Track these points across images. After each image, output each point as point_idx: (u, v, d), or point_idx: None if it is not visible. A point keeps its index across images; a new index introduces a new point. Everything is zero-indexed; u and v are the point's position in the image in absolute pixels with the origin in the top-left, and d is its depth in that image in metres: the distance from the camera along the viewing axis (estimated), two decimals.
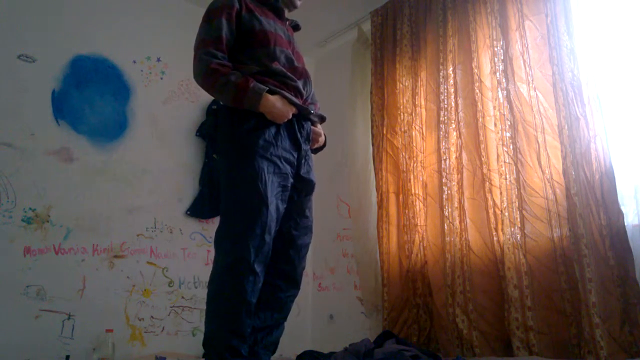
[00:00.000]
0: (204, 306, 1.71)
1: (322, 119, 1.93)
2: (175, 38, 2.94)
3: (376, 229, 2.82)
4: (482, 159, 2.36)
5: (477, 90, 2.43)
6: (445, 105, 2.56)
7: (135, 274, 2.68)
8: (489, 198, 2.30)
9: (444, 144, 2.53)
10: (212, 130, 2.98)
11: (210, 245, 2.90)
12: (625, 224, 1.92)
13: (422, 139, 2.70)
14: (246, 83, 1.64)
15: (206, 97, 2.97)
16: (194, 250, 2.93)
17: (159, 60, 2.98)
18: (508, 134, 2.26)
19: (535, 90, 2.21)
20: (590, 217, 1.95)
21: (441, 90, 2.59)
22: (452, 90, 2.55)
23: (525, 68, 2.25)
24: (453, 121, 2.52)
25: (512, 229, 2.18)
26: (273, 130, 1.71)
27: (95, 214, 2.60)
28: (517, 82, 2.27)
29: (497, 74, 2.35)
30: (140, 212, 2.76)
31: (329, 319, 3.26)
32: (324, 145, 1.98)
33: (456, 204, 2.42)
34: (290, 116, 1.73)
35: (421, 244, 2.59)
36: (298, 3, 1.96)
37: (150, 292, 2.71)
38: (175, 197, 2.91)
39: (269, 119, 1.69)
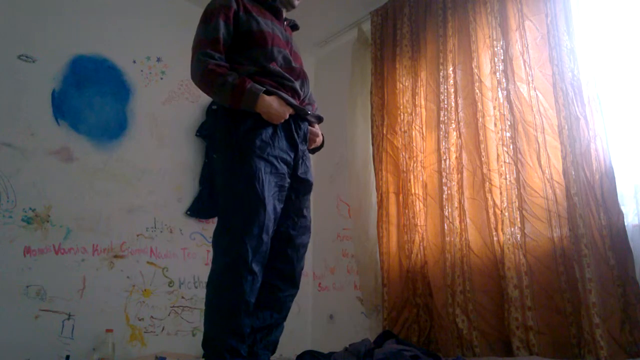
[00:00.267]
0: (203, 306, 1.71)
1: (320, 120, 1.94)
2: (175, 38, 2.94)
3: (376, 229, 2.82)
4: (482, 159, 2.36)
5: (477, 90, 2.43)
6: (445, 105, 2.56)
7: (135, 274, 2.67)
8: (489, 198, 2.30)
9: (444, 144, 2.53)
10: (212, 131, 2.98)
11: (210, 246, 2.89)
12: (625, 224, 1.92)
13: (422, 139, 2.70)
14: (243, 84, 1.65)
15: (206, 97, 2.96)
16: (194, 250, 2.92)
17: (159, 60, 2.98)
18: (508, 134, 2.26)
19: (535, 90, 2.21)
20: (590, 217, 1.95)
21: (441, 90, 2.59)
22: (452, 90, 2.55)
23: (525, 68, 2.25)
24: (453, 121, 2.52)
25: (512, 229, 2.18)
26: (270, 130, 1.71)
27: (95, 214, 2.59)
28: (517, 82, 2.27)
29: (497, 74, 2.35)
30: (140, 212, 2.76)
31: (329, 319, 3.26)
32: (322, 145, 1.98)
33: (456, 204, 2.42)
34: (287, 117, 1.73)
35: (421, 244, 2.59)
36: (296, 3, 1.96)
37: (150, 292, 2.71)
38: (175, 197, 2.91)
39: (266, 120, 1.69)
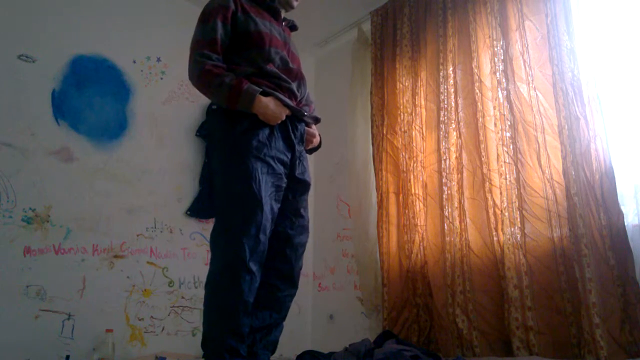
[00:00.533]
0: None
1: (317, 120, 1.94)
2: (175, 38, 2.94)
3: (376, 229, 2.82)
4: (482, 159, 2.36)
5: (477, 90, 2.43)
6: (445, 105, 2.56)
7: (135, 274, 2.67)
8: (489, 198, 2.30)
9: (444, 144, 2.53)
10: (211, 130, 2.98)
11: None
12: (625, 224, 1.92)
13: (422, 139, 2.70)
14: (240, 85, 1.65)
15: (206, 97, 2.97)
16: (194, 250, 2.93)
17: (159, 60, 2.98)
18: (508, 134, 2.26)
19: (535, 90, 2.21)
20: (590, 217, 1.95)
21: (441, 90, 2.59)
22: (452, 90, 2.55)
23: (525, 68, 2.25)
24: (453, 121, 2.52)
25: (512, 229, 2.18)
26: (267, 131, 1.72)
27: (95, 214, 2.59)
28: (517, 82, 2.27)
29: (497, 74, 2.35)
30: (140, 212, 2.76)
31: (329, 319, 3.26)
32: (319, 146, 1.99)
33: (456, 204, 2.42)
34: (284, 118, 1.74)
35: (421, 244, 2.59)
36: (295, 3, 1.96)
37: (150, 292, 2.71)
38: (175, 197, 2.91)
39: (263, 121, 1.70)
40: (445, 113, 2.56)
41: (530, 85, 2.23)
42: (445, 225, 2.45)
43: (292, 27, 2.03)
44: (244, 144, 1.68)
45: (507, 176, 2.23)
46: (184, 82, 3.01)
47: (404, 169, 2.74)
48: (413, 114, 2.75)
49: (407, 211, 2.68)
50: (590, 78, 2.04)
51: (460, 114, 2.49)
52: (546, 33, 2.20)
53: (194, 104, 3.06)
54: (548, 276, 2.07)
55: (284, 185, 1.76)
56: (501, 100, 2.31)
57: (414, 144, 2.71)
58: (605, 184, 1.96)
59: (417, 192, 2.66)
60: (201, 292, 1.71)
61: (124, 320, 2.59)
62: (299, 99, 1.85)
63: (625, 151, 2.03)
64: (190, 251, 2.91)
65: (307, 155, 1.94)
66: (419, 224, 2.62)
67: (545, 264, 2.09)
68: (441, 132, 2.55)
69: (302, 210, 1.87)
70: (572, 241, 1.97)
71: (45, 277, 2.38)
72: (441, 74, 2.62)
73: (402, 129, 2.79)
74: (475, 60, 2.47)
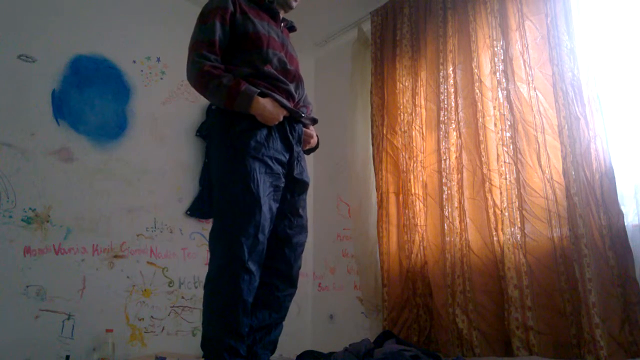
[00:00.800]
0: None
1: (314, 121, 1.95)
2: (175, 38, 2.94)
3: (376, 229, 2.82)
4: (482, 159, 2.36)
5: (477, 90, 2.43)
6: (445, 105, 2.56)
7: (135, 274, 2.68)
8: (489, 198, 2.30)
9: (444, 144, 2.53)
10: (210, 130, 2.98)
11: None
12: (625, 224, 1.92)
13: (422, 139, 2.70)
14: (238, 86, 1.66)
15: None
16: (194, 250, 2.93)
17: (159, 60, 2.98)
18: (508, 134, 2.26)
19: (535, 90, 2.21)
20: (590, 217, 1.95)
21: (441, 90, 2.59)
22: (452, 90, 2.55)
23: (525, 68, 2.25)
24: (453, 121, 2.52)
25: (512, 229, 2.18)
26: (264, 132, 1.72)
27: (95, 214, 2.59)
28: (517, 82, 2.27)
29: (497, 74, 2.35)
30: (140, 212, 2.76)
31: (329, 319, 3.26)
32: (317, 146, 1.99)
33: (456, 204, 2.42)
34: (281, 119, 1.74)
35: (421, 244, 2.59)
36: (294, 4, 1.97)
37: (150, 292, 2.71)
38: (175, 197, 2.91)
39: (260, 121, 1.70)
40: (445, 113, 2.56)
41: (530, 85, 2.23)
42: (445, 225, 2.45)
43: (291, 28, 2.03)
44: (242, 144, 1.68)
45: (507, 176, 2.23)
46: (184, 82, 3.00)
47: (404, 169, 2.74)
48: (413, 114, 2.75)
49: (407, 211, 2.68)
50: (590, 78, 2.04)
51: (460, 114, 2.49)
52: (546, 33, 2.20)
53: (194, 104, 3.06)
54: (548, 276, 2.07)
55: (282, 185, 1.76)
56: (501, 100, 2.31)
57: (414, 144, 2.71)
58: (605, 184, 1.96)
59: (417, 192, 2.66)
60: (201, 292, 1.71)
61: (124, 320, 2.59)
62: (296, 100, 1.85)
63: (625, 151, 2.03)
64: (190, 251, 2.91)
65: (305, 155, 1.95)
66: (419, 224, 2.62)
67: (545, 264, 2.09)
68: (441, 132, 2.55)
69: (300, 210, 1.87)
70: (572, 241, 1.97)
71: (45, 277, 2.38)
72: (441, 74, 2.62)
73: (402, 129, 2.79)
74: (475, 60, 2.47)
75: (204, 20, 1.76)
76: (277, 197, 1.75)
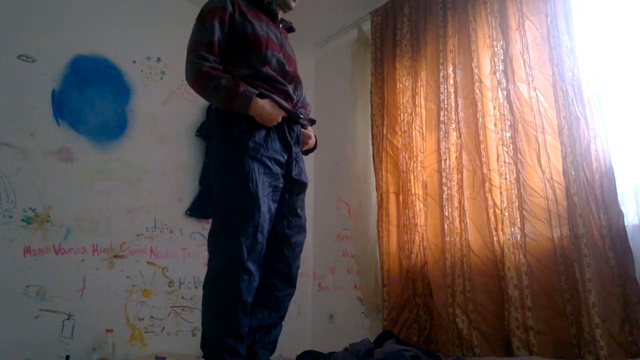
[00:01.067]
0: None
1: (312, 122, 1.96)
2: (175, 38, 2.93)
3: (376, 229, 2.82)
4: (482, 159, 2.36)
5: (477, 90, 2.43)
6: (445, 105, 2.56)
7: (135, 274, 2.68)
8: (489, 198, 2.30)
9: (444, 144, 2.53)
10: (210, 131, 2.98)
11: None
12: (625, 224, 1.92)
13: (422, 139, 2.70)
14: (236, 87, 1.66)
15: None
16: (194, 250, 2.93)
17: (159, 60, 2.98)
18: (508, 134, 2.26)
19: (535, 90, 2.21)
20: (590, 217, 1.95)
21: (441, 90, 2.59)
22: (452, 90, 2.55)
23: (525, 68, 2.25)
24: (453, 121, 2.52)
25: (512, 229, 2.18)
26: (263, 132, 1.73)
27: (95, 214, 2.59)
28: (517, 82, 2.27)
29: (497, 74, 2.35)
30: (140, 212, 2.76)
31: (329, 319, 3.26)
32: (315, 147, 2.00)
33: (456, 204, 2.42)
34: (280, 120, 1.75)
35: (421, 244, 2.59)
36: (293, 4, 1.96)
37: (150, 292, 2.71)
38: (175, 197, 2.91)
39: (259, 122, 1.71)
40: (445, 113, 2.56)
41: (530, 85, 2.23)
42: (445, 225, 2.45)
43: (290, 29, 2.04)
44: (241, 144, 1.68)
45: (507, 176, 2.23)
46: (184, 82, 2.96)
47: (404, 169, 2.74)
48: (413, 114, 2.75)
49: (407, 211, 2.68)
50: (590, 78, 2.04)
51: (460, 114, 2.49)
52: (546, 33, 2.20)
53: (194, 104, 3.06)
54: (548, 276, 2.07)
55: (281, 185, 1.77)
56: (501, 100, 2.31)
57: (414, 144, 2.71)
58: (605, 184, 1.96)
59: (417, 192, 2.66)
60: (201, 292, 1.72)
61: (124, 320, 2.59)
62: (295, 101, 1.86)
63: (625, 151, 2.03)
64: (190, 251, 2.91)
65: (304, 156, 1.95)
66: (419, 224, 2.62)
67: (545, 264, 2.09)
68: (441, 132, 2.55)
69: (299, 210, 1.88)
70: (572, 241, 1.97)
71: (45, 277, 2.38)
72: (441, 74, 2.62)
73: (402, 129, 2.79)
74: (475, 60, 2.47)
75: (203, 20, 1.76)
76: (275, 197, 1.75)
